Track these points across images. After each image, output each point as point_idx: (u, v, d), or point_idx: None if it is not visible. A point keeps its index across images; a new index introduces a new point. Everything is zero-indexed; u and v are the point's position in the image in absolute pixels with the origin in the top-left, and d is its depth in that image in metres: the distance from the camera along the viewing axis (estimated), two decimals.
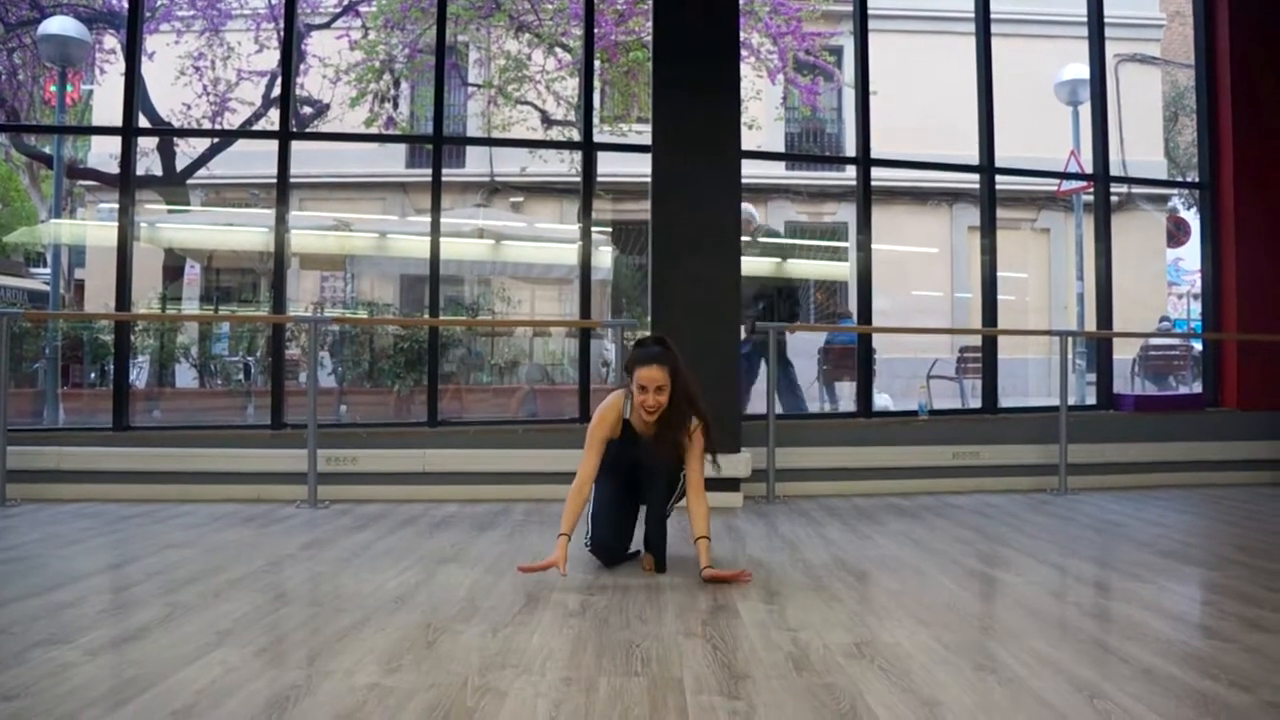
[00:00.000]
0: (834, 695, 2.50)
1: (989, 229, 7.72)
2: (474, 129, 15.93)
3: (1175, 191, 18.61)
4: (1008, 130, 7.79)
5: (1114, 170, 8.22)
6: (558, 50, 13.46)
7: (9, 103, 12.77)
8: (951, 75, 9.82)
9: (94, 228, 14.98)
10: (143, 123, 8.97)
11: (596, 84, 10.92)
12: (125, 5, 7.39)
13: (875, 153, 7.45)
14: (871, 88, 7.49)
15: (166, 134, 12.59)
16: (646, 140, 6.54)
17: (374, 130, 13.33)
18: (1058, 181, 11.72)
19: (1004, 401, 7.74)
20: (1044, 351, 15.08)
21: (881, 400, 8.47)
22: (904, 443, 6.92)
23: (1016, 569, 4.22)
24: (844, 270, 17.05)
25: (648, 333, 5.15)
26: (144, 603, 3.45)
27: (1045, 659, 2.82)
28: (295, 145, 6.99)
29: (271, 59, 12.48)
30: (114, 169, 7.26)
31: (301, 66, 12.04)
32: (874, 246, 7.40)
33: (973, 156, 7.72)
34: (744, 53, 9.38)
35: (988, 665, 2.77)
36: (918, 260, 16.77)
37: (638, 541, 4.30)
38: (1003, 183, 7.77)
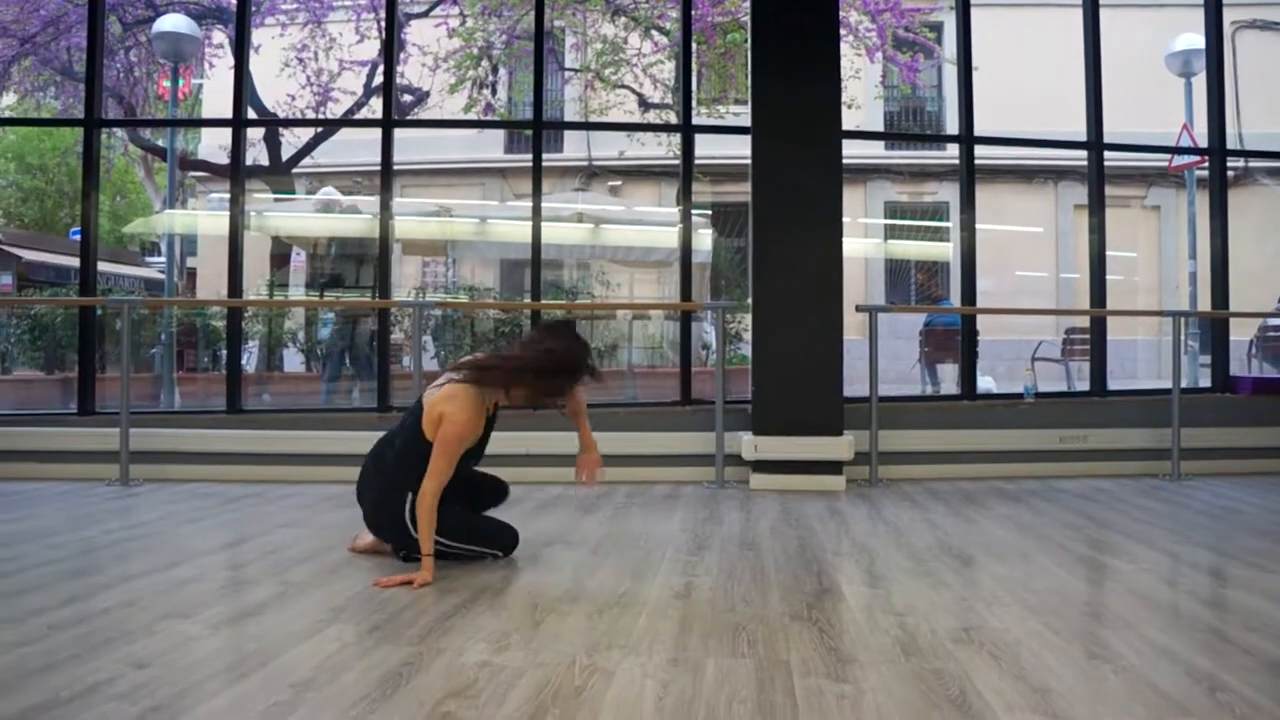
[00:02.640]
0: (943, 681, 2.47)
1: (1097, 207, 7.50)
2: (571, 114, 16.01)
3: None
4: (1116, 104, 7.57)
5: (1231, 143, 7.93)
6: (654, 33, 13.45)
7: (126, 99, 13.21)
8: (1057, 48, 9.58)
9: (204, 217, 15.43)
10: (250, 114, 9.20)
11: (693, 66, 10.90)
12: (234, 1, 7.59)
13: (978, 130, 7.30)
14: (974, 63, 7.34)
15: (273, 125, 12.92)
16: (743, 122, 6.51)
17: (473, 116, 13.49)
18: (1169, 157, 11.35)
19: (1112, 384, 7.55)
20: (1154, 333, 14.66)
21: (984, 383, 8.32)
22: (1009, 426, 6.79)
23: (1128, 555, 4.12)
24: (944, 251, 16.78)
25: (748, 315, 5.08)
26: (259, 580, 3.57)
27: (1161, 648, 2.75)
28: (396, 133, 7.11)
29: (372, 49, 12.71)
30: (223, 160, 7.47)
31: (401, 55, 12.23)
32: (977, 226, 7.27)
33: (1080, 132, 7.52)
34: (842, 31, 9.26)
35: (1101, 653, 2.71)
36: (1022, 240, 16.41)
37: None
38: (1111, 159, 7.56)
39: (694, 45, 9.63)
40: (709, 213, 13.17)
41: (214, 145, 15.11)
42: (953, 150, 7.64)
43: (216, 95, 13.76)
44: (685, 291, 7.09)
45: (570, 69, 15.62)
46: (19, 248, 16.72)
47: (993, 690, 2.40)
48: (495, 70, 13.95)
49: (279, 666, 2.56)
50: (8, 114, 13.85)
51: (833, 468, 6.08)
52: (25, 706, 2.24)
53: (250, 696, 2.34)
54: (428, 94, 13.48)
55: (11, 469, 6.19)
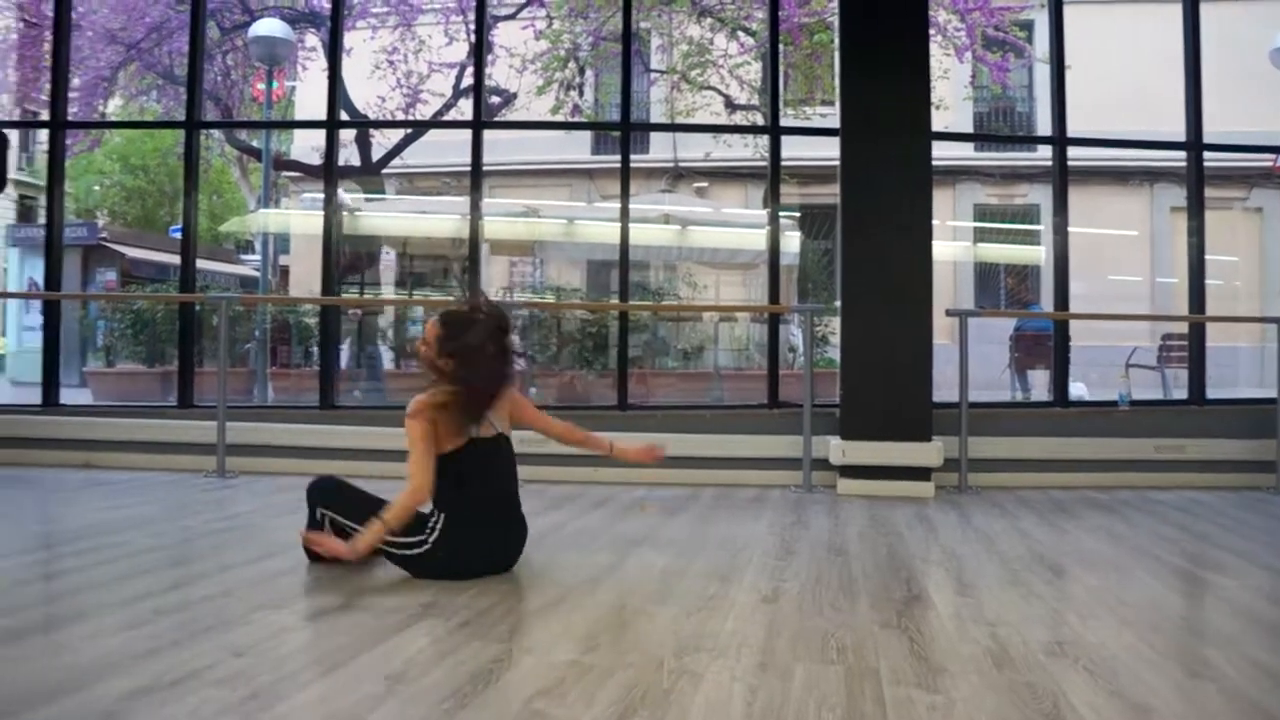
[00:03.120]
0: (1035, 694, 2.43)
1: (1196, 209, 7.30)
2: (657, 115, 16.05)
3: None
4: (1216, 103, 7.35)
5: None
6: (740, 34, 13.42)
7: (223, 101, 13.56)
8: (1155, 45, 9.35)
9: (297, 216, 15.77)
10: (342, 116, 9.38)
11: (780, 67, 10.87)
12: (327, 5, 7.75)
13: (1071, 131, 7.16)
14: (1067, 62, 7.19)
15: (365, 126, 13.13)
16: (830, 123, 6.47)
17: (560, 118, 13.59)
18: (1273, 157, 11.02)
19: (1211, 393, 7.34)
20: (1256, 340, 14.21)
21: (1077, 389, 8.16)
22: (1102, 434, 6.63)
23: (1229, 571, 4.01)
24: (1035, 254, 16.48)
25: (836, 318, 5.03)
26: (350, 574, 3.61)
27: (1267, 668, 2.66)
28: (485, 133, 7.19)
29: (460, 51, 12.87)
30: (316, 160, 7.64)
31: (489, 57, 12.38)
32: (1069, 229, 7.13)
33: (1178, 132, 7.32)
34: (931, 31, 9.13)
35: (1202, 671, 2.63)
36: (1116, 243, 16.04)
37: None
38: (1211, 159, 7.35)
39: (780, 46, 9.59)
40: (797, 215, 13.09)
41: (306, 146, 15.45)
42: (1044, 151, 7.49)
43: (309, 97, 14.04)
44: (773, 294, 7.07)
45: (656, 70, 15.64)
46: (123, 245, 17.26)
47: (1088, 706, 2.35)
48: (582, 72, 14.04)
49: (371, 659, 2.60)
50: (114, 117, 14.31)
51: (921, 474, 6.00)
52: (132, 689, 2.32)
53: (344, 687, 2.39)
54: (515, 95, 13.60)
55: (116, 458, 6.45)
